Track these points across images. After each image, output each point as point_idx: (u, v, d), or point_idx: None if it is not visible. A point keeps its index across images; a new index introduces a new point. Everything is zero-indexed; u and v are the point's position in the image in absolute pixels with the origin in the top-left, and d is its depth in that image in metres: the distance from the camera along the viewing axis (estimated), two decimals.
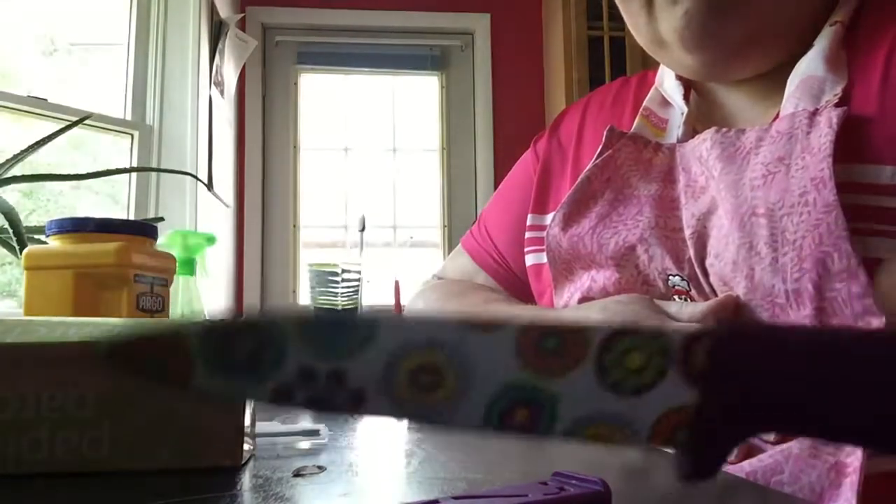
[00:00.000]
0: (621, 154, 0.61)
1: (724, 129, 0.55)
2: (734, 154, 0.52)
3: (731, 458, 0.50)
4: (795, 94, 0.52)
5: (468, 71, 3.29)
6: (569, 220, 0.60)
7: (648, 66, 0.71)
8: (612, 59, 2.75)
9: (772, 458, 0.45)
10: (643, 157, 0.60)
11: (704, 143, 0.55)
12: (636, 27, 0.60)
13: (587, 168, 0.62)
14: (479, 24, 3.25)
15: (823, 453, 0.44)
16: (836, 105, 0.49)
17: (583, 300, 0.59)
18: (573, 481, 0.31)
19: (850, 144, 0.47)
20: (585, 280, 0.59)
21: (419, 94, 3.32)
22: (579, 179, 0.61)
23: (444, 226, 3.16)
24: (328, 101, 3.28)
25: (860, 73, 0.51)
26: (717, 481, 0.36)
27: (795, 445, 0.44)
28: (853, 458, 0.42)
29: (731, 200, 0.50)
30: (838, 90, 0.50)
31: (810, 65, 0.52)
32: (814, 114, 0.49)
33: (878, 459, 0.43)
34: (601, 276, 0.57)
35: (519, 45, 3.22)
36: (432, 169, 3.26)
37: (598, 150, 0.62)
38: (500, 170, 3.10)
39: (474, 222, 0.82)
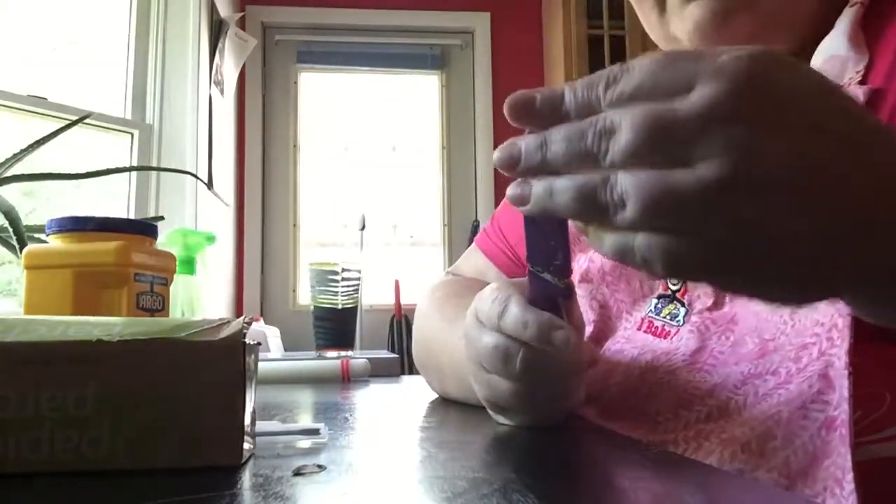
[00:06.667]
0: None
1: None
2: None
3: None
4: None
5: (468, 70, 3.29)
6: None
7: None
8: (612, 59, 2.75)
9: (764, 426, 0.45)
10: None
11: None
12: (649, 24, 0.62)
13: None
14: (480, 23, 3.25)
15: (812, 412, 0.44)
16: (860, 83, 0.50)
17: (580, 282, 0.61)
18: None
19: None
20: (584, 262, 0.62)
21: (419, 92, 3.32)
22: None
23: (444, 224, 3.16)
24: (328, 99, 3.28)
25: (878, 49, 0.52)
26: (700, 476, 0.36)
27: (785, 409, 0.45)
28: (840, 410, 0.43)
29: None
30: (861, 67, 0.51)
31: (833, 43, 0.53)
32: None
33: (869, 443, 0.43)
34: (598, 256, 0.60)
35: (519, 44, 3.22)
36: (432, 168, 3.26)
37: None
38: None
39: (474, 221, 0.83)
